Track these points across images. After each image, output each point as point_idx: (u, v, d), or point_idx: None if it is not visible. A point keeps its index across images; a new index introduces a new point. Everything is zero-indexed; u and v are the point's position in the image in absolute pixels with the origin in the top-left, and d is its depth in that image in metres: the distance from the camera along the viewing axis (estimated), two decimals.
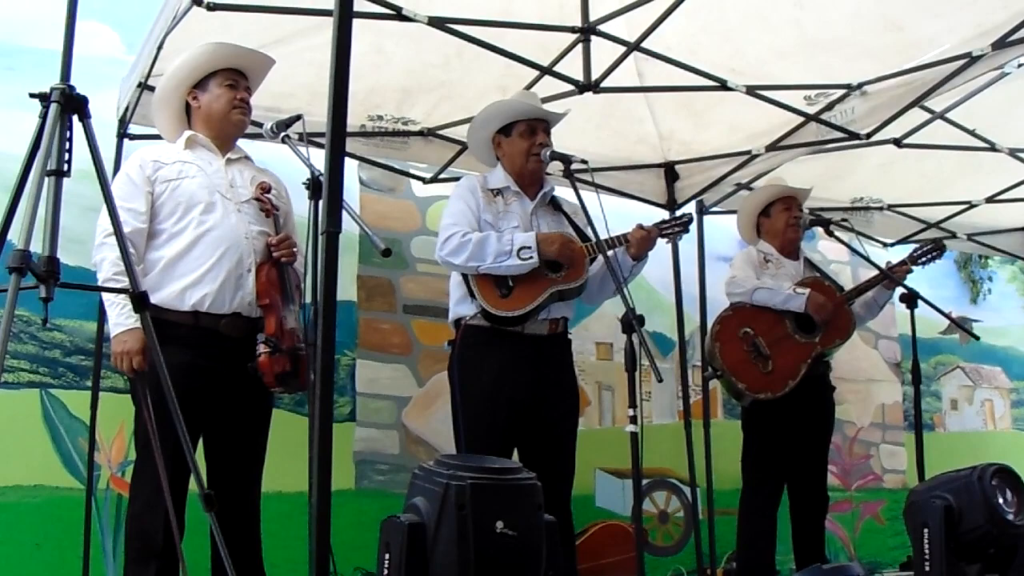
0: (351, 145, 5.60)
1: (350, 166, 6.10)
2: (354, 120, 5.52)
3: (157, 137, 4.47)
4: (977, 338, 5.67)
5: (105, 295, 3.82)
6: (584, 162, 4.41)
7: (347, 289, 6.14)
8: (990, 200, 7.31)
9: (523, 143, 4.64)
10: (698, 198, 6.77)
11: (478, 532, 2.83)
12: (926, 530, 3.74)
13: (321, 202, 3.35)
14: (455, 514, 2.81)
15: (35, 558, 5.00)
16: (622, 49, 5.02)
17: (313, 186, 3.35)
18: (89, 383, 5.14)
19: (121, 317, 3.72)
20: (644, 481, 6.93)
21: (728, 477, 6.24)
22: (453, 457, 3.14)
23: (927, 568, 3.72)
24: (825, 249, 8.11)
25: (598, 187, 4.66)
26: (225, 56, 4.11)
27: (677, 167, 6.61)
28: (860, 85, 5.40)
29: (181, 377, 3.39)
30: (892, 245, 7.67)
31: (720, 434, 6.72)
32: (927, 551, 3.74)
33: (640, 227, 4.70)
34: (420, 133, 5.82)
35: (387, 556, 2.88)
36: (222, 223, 3.93)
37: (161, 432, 3.60)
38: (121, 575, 3.88)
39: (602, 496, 6.86)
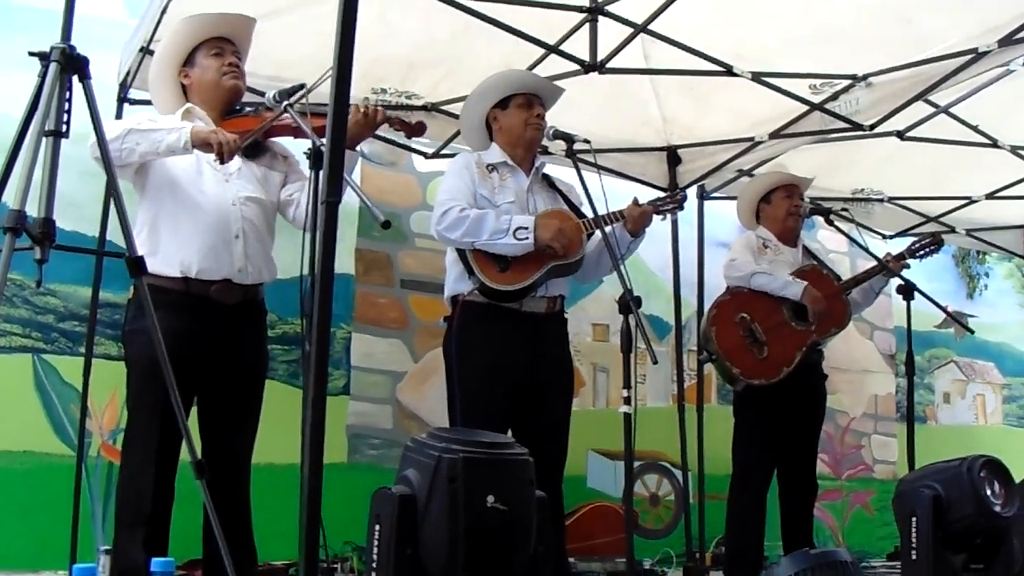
0: None
1: None
2: (357, 92, 5.47)
3: None
4: (972, 332, 5.67)
5: (138, 130, 3.70)
6: (587, 142, 4.39)
7: (345, 262, 6.13)
8: (990, 196, 7.30)
9: (521, 114, 4.63)
10: (699, 183, 6.77)
11: (469, 506, 2.82)
12: (914, 519, 3.76)
13: (322, 172, 3.37)
14: (446, 487, 2.80)
15: (24, 524, 5.01)
16: (629, 30, 5.00)
17: (314, 156, 3.33)
18: (82, 349, 5.13)
19: (174, 132, 3.70)
20: (636, 464, 6.98)
21: (720, 462, 6.23)
22: (446, 430, 3.13)
23: (914, 556, 3.73)
24: (824, 239, 8.09)
25: (600, 168, 4.65)
26: (205, 26, 4.07)
27: (679, 151, 6.59)
28: (865, 76, 5.39)
29: (173, 343, 3.36)
30: (891, 237, 7.65)
31: (713, 419, 6.72)
32: (915, 540, 3.76)
33: (636, 203, 4.70)
34: (423, 108, 5.78)
35: (377, 527, 2.87)
36: (209, 190, 3.90)
37: (153, 398, 3.61)
38: (110, 542, 3.85)
39: (594, 477, 6.86)
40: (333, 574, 5.23)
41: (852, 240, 6.15)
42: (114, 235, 5.05)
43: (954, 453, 4.93)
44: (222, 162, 3.69)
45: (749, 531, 5.28)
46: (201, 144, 3.68)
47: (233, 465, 3.92)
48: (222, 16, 4.10)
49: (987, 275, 9.40)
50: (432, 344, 6.23)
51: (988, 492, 3.75)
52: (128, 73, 5.02)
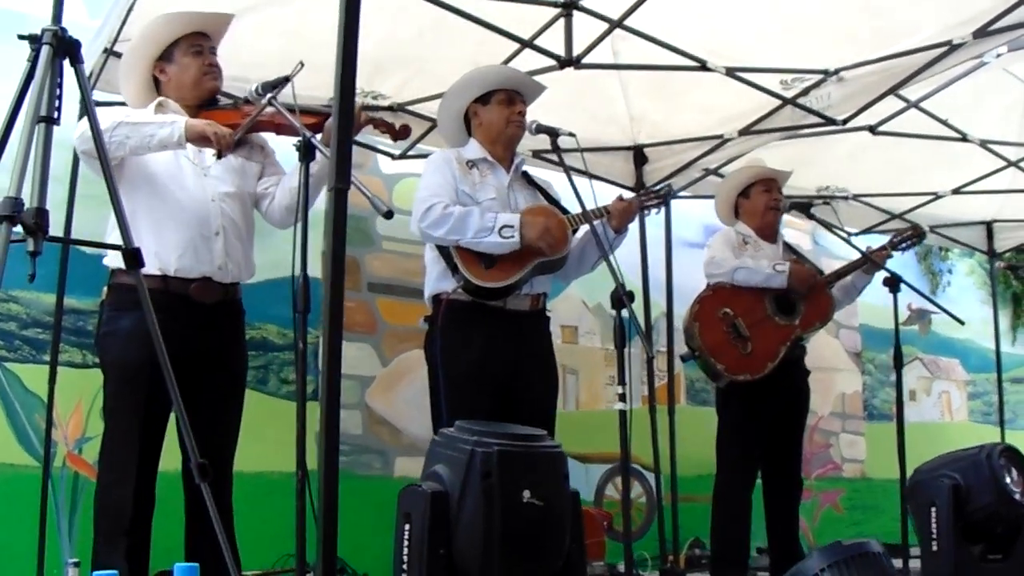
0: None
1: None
2: (322, 93, 5.37)
3: (122, 104, 4.31)
4: (962, 323, 5.68)
5: (135, 120, 3.63)
6: (572, 135, 4.34)
7: (311, 266, 5.99)
8: (956, 191, 7.35)
9: (503, 111, 4.56)
10: (666, 182, 6.71)
11: (505, 501, 2.74)
12: (933, 509, 3.71)
13: (312, 163, 3.28)
14: (480, 482, 2.71)
15: None
16: (600, 25, 4.96)
17: (304, 148, 3.24)
18: (46, 357, 4.99)
19: (166, 126, 3.60)
20: (607, 466, 6.96)
21: (691, 463, 6.20)
22: (476, 423, 3.02)
23: (935, 548, 3.68)
24: (787, 237, 8.05)
25: (577, 171, 4.61)
26: (186, 23, 3.99)
27: (646, 150, 6.56)
28: (837, 71, 5.37)
29: (152, 343, 3.25)
30: (856, 235, 7.65)
31: (684, 420, 6.70)
32: (935, 530, 3.71)
33: (620, 199, 4.65)
34: (389, 108, 5.69)
35: (407, 527, 2.76)
36: (188, 186, 3.83)
37: (132, 402, 3.52)
38: (77, 554, 3.73)
39: None
40: None
41: (835, 234, 6.09)
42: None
43: (923, 451, 4.92)
44: (219, 157, 3.60)
45: (734, 531, 5.23)
46: (196, 138, 3.59)
47: (215, 469, 3.78)
48: (208, 15, 4.03)
49: (950, 271, 9.47)
50: (401, 348, 6.15)
51: (1008, 480, 3.72)
52: (91, 74, 4.88)
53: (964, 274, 9.62)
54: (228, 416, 3.95)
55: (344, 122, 2.56)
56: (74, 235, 4.91)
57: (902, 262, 8.58)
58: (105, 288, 3.82)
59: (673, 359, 6.52)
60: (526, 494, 2.74)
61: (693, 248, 6.34)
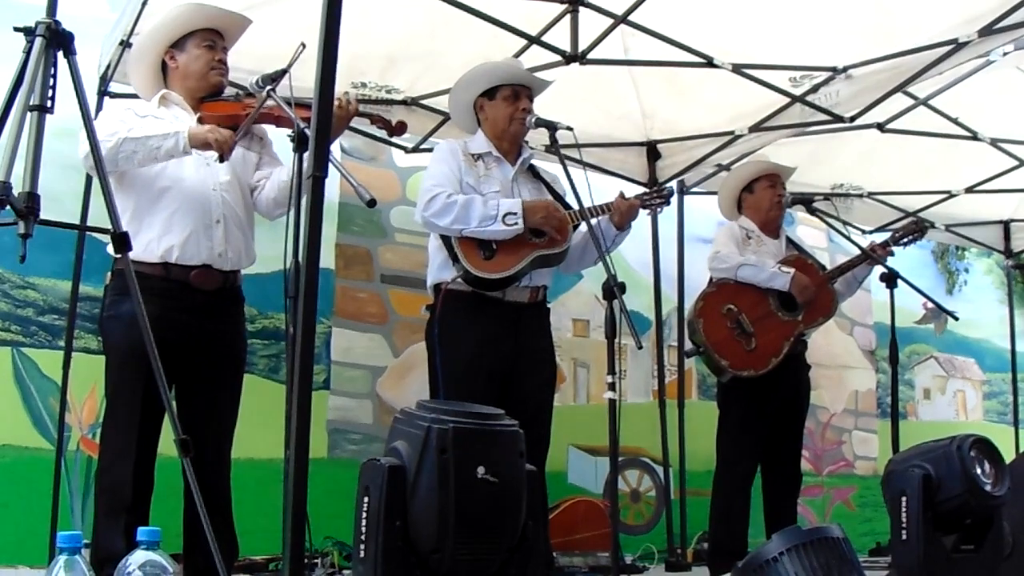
0: None
1: None
2: (337, 87, 5.43)
3: (138, 96, 4.40)
4: (956, 318, 5.68)
5: (131, 135, 3.67)
6: (570, 128, 4.36)
7: (325, 257, 6.02)
8: (969, 190, 7.34)
9: (507, 107, 4.60)
10: (679, 178, 6.76)
11: (459, 477, 2.81)
12: (904, 499, 3.72)
13: (309, 145, 3.34)
14: (436, 458, 2.79)
15: (2, 519, 4.96)
16: (606, 21, 5.00)
17: (298, 139, 3.31)
18: (62, 343, 5.10)
19: (170, 137, 3.69)
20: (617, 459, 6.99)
21: (701, 458, 6.22)
22: (435, 401, 3.10)
23: (904, 537, 3.70)
24: (804, 234, 8.09)
25: (585, 165, 4.64)
26: (204, 17, 4.07)
27: (659, 146, 6.59)
28: (845, 68, 5.39)
29: (152, 329, 3.33)
30: (871, 232, 7.65)
31: (694, 414, 6.73)
32: (904, 520, 3.72)
33: (622, 196, 4.68)
34: (403, 102, 5.77)
35: (366, 499, 2.85)
36: (189, 175, 3.89)
37: (133, 384, 3.60)
38: (90, 537, 3.81)
39: (575, 473, 6.85)
40: (314, 570, 5.18)
41: (835, 229, 6.10)
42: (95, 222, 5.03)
43: None
44: (221, 160, 3.71)
45: (733, 525, 5.22)
46: (200, 145, 3.70)
47: (213, 453, 3.87)
48: (227, 13, 4.11)
49: (967, 271, 9.41)
50: (412, 339, 6.21)
51: (978, 471, 3.71)
52: (108, 66, 4.98)
53: (982, 273, 9.55)
54: (227, 401, 4.01)
55: (323, 111, 2.62)
56: (91, 223, 5.02)
57: (920, 260, 8.61)
58: (109, 273, 3.92)
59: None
60: (480, 470, 2.81)
61: (706, 244, 6.34)
